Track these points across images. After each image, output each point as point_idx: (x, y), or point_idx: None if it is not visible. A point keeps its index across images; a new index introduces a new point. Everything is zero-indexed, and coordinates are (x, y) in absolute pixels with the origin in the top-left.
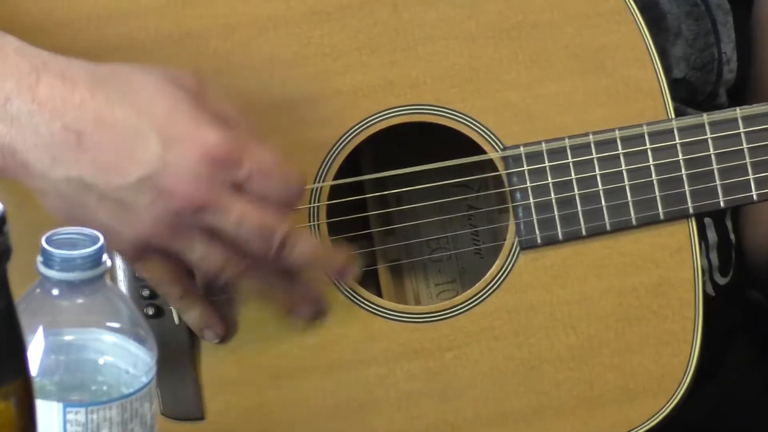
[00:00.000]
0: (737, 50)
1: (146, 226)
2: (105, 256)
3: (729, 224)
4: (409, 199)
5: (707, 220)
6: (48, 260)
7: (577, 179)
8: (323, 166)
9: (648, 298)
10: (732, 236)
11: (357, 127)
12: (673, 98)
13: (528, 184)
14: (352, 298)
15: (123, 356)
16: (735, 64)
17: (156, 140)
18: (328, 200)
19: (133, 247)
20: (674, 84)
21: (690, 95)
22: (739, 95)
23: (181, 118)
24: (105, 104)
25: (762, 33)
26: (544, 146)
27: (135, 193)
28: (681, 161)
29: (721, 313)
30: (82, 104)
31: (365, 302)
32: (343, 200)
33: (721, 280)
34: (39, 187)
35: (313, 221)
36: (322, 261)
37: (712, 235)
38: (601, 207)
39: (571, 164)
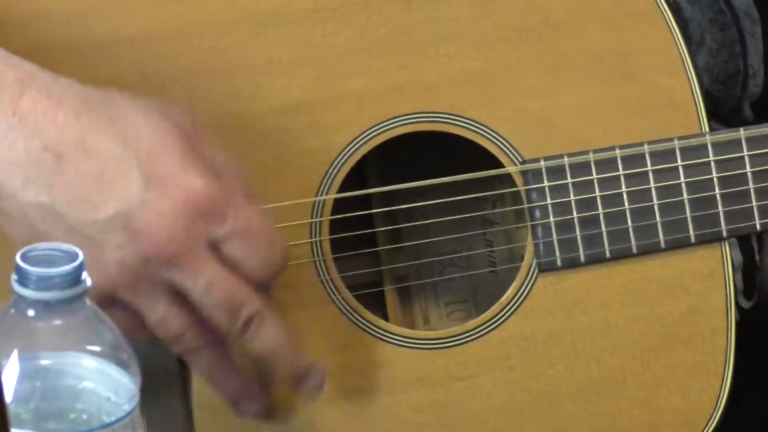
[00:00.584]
0: (765, 62)
1: (111, 271)
2: (84, 274)
3: (755, 244)
4: (419, 214)
5: (731, 240)
6: (23, 278)
7: (601, 197)
8: (326, 178)
9: (676, 327)
10: (758, 257)
11: (363, 135)
12: None
13: (548, 201)
14: (356, 321)
15: (104, 382)
16: (762, 78)
17: (138, 176)
18: (332, 215)
19: (93, 296)
20: (705, 95)
21: (713, 108)
22: (764, 110)
23: (169, 157)
24: (89, 128)
25: None
26: (566, 160)
27: (106, 231)
28: (715, 180)
29: (747, 339)
30: (66, 125)
31: (370, 326)
32: (348, 215)
33: (746, 304)
34: (5, 208)
35: (315, 237)
36: (287, 358)
37: (736, 256)
38: (628, 228)
39: (595, 180)
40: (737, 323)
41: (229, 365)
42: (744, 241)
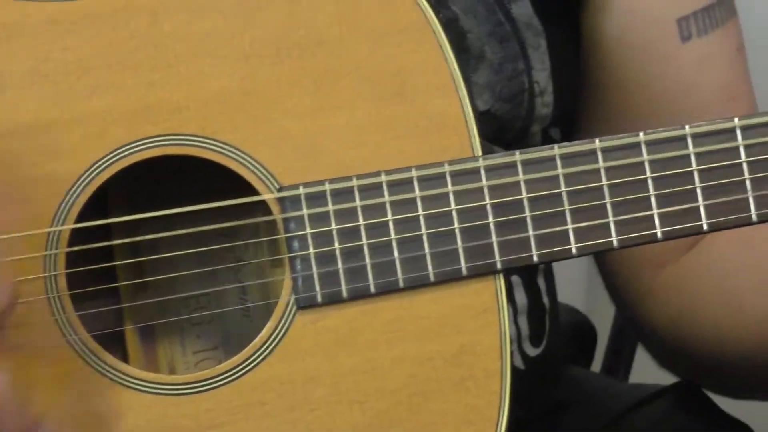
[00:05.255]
0: (554, 79)
1: None
2: None
3: (542, 285)
4: (166, 247)
5: (515, 279)
6: None
7: (365, 226)
8: (63, 206)
9: (447, 369)
10: (545, 299)
11: (105, 159)
12: (478, 134)
13: (308, 230)
14: (94, 365)
15: None
16: (551, 96)
17: None
18: (69, 247)
19: None
20: (478, 117)
21: (497, 131)
22: (570, 130)
23: None
24: None
25: (608, 54)
26: (327, 186)
27: None
28: (488, 207)
29: (534, 389)
30: None
31: (110, 369)
32: (85, 247)
33: (533, 351)
34: None
35: (50, 272)
36: (10, 411)
37: (521, 297)
38: (394, 260)
39: (359, 208)
40: (521, 372)
41: None
42: (530, 282)
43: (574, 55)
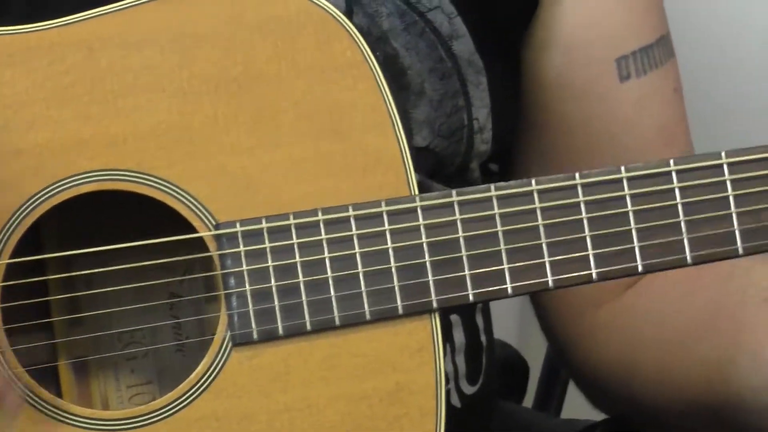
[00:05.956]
0: (493, 116)
1: None
2: None
3: (480, 323)
4: (101, 282)
5: (454, 318)
6: None
7: (302, 264)
8: None
9: (382, 407)
10: (483, 337)
11: (40, 194)
12: (417, 169)
13: (244, 267)
14: (30, 399)
15: None
16: (490, 133)
17: None
18: (4, 281)
19: None
20: (417, 153)
21: (436, 167)
22: (508, 166)
23: None
24: None
25: (547, 93)
26: (264, 224)
27: None
28: (424, 246)
29: (469, 427)
30: None
31: (46, 405)
32: (20, 282)
33: (469, 389)
34: None
35: None
36: None
37: (459, 336)
38: (330, 297)
39: (295, 246)
40: (458, 409)
41: None
42: (468, 321)
43: (514, 92)
